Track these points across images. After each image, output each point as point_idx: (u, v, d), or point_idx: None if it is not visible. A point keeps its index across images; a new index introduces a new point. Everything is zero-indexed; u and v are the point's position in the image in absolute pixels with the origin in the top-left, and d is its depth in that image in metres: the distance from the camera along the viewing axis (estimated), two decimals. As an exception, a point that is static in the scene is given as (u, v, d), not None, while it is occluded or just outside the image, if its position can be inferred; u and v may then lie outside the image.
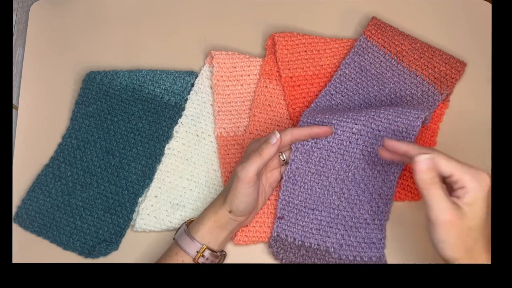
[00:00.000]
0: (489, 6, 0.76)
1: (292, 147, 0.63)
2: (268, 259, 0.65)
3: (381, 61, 0.70)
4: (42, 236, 0.65)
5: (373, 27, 0.72)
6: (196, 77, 0.72)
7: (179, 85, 0.71)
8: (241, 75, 0.71)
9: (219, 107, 0.70)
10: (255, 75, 0.71)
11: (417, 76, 0.69)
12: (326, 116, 0.63)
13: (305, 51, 0.72)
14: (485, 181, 0.50)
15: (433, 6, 0.77)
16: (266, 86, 0.70)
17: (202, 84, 0.71)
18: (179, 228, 0.62)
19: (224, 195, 0.60)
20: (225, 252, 0.62)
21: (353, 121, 0.62)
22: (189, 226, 0.61)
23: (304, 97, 0.70)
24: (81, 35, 0.76)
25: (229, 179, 0.63)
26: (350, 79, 0.70)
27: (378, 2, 0.77)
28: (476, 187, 0.50)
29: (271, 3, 0.77)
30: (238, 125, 0.69)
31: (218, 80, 0.70)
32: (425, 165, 0.50)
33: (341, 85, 0.69)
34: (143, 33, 0.76)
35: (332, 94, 0.69)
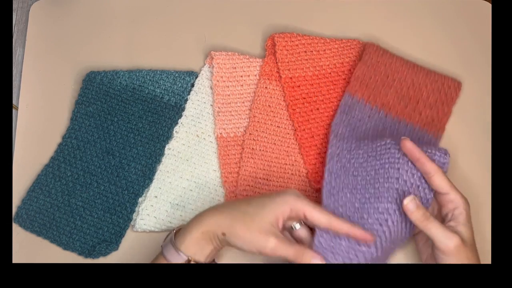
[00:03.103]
0: (489, 6, 0.76)
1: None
2: (267, 260, 0.64)
3: (369, 116, 0.67)
4: (42, 236, 0.65)
5: (356, 82, 0.68)
6: (196, 77, 0.72)
7: (179, 85, 0.71)
8: (241, 76, 0.71)
9: (219, 107, 0.70)
10: (255, 75, 0.71)
11: (407, 125, 0.67)
12: (347, 197, 0.58)
13: (305, 51, 0.72)
14: (468, 202, 0.56)
15: (433, 6, 0.77)
16: (266, 87, 0.70)
17: (202, 85, 0.71)
18: (168, 235, 0.57)
19: (229, 211, 0.55)
20: (215, 260, 0.58)
21: (377, 199, 0.57)
22: (176, 234, 0.56)
23: (304, 98, 0.70)
24: (81, 35, 0.76)
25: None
26: (343, 138, 0.65)
27: (378, 2, 0.77)
28: (467, 208, 0.55)
29: (271, 3, 0.77)
30: (238, 126, 0.69)
31: (218, 81, 0.70)
32: (412, 206, 0.54)
33: (337, 147, 0.64)
34: (143, 33, 0.76)
35: (337, 154, 0.63)
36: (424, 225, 0.54)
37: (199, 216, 0.56)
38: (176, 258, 0.54)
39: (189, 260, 0.54)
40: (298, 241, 0.57)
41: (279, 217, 0.54)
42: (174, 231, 0.57)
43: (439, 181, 0.56)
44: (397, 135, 0.65)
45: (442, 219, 0.57)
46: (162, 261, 0.55)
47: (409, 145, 0.57)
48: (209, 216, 0.55)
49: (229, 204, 0.57)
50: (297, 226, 0.57)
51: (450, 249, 0.53)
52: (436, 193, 0.58)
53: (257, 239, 0.53)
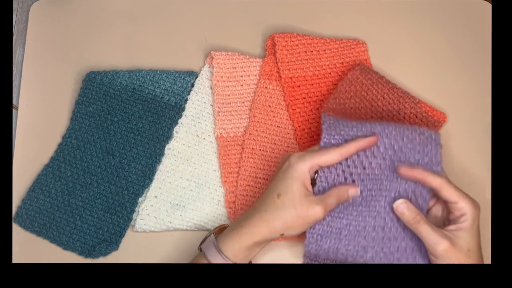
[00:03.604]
0: (489, 6, 0.76)
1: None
2: (269, 259, 0.65)
3: (356, 126, 0.60)
4: (42, 236, 0.65)
5: (329, 111, 0.64)
6: (196, 77, 0.72)
7: (179, 85, 0.71)
8: (241, 76, 0.71)
9: (219, 107, 0.70)
10: (255, 75, 0.71)
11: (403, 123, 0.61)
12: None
13: (305, 51, 0.72)
14: (479, 209, 0.55)
15: (433, 6, 0.77)
16: (266, 87, 0.70)
17: (202, 85, 0.71)
18: (206, 238, 0.58)
19: (272, 215, 0.55)
20: (250, 261, 0.59)
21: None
22: (219, 238, 0.57)
23: (304, 98, 0.70)
24: (81, 35, 0.76)
25: (267, 200, 0.58)
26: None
27: (378, 2, 0.77)
28: (475, 214, 0.55)
29: (271, 3, 0.77)
30: (238, 126, 0.69)
31: (218, 81, 0.70)
32: (402, 209, 0.56)
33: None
34: (143, 33, 0.76)
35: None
36: (415, 227, 0.55)
37: (249, 226, 0.56)
38: (222, 262, 0.55)
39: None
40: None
41: (305, 183, 0.56)
42: (214, 234, 0.58)
43: (447, 193, 0.55)
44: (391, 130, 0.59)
45: (449, 222, 0.57)
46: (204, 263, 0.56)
47: (406, 171, 0.57)
48: (260, 226, 0.56)
49: (266, 208, 0.56)
50: (316, 175, 0.59)
51: (438, 252, 0.53)
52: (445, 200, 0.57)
53: (309, 216, 0.55)
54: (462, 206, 0.55)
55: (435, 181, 0.56)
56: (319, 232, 0.58)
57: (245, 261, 0.56)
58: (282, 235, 0.56)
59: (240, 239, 0.55)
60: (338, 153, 0.57)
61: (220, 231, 0.59)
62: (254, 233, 0.55)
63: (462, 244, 0.54)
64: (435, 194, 0.58)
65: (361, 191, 0.58)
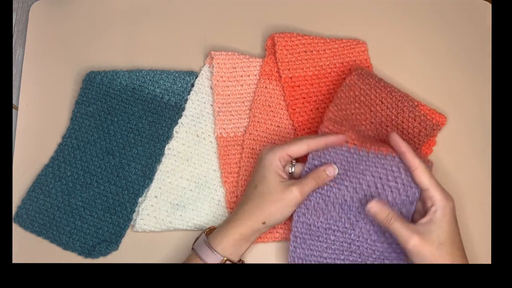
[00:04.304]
0: (489, 6, 0.77)
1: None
2: (266, 259, 0.65)
3: (347, 157, 0.60)
4: (42, 236, 0.65)
5: (329, 123, 0.62)
6: (196, 77, 0.72)
7: (179, 85, 0.71)
8: (241, 76, 0.71)
9: (219, 107, 0.70)
10: (255, 75, 0.71)
11: (394, 158, 0.59)
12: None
13: (305, 51, 0.72)
14: (452, 202, 0.56)
15: (433, 6, 0.77)
16: (266, 87, 0.70)
17: (202, 84, 0.71)
18: (198, 237, 0.60)
19: (254, 207, 0.58)
20: (243, 260, 0.60)
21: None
22: (209, 236, 0.59)
23: (304, 98, 0.70)
24: (81, 35, 0.76)
25: (248, 191, 0.60)
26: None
27: (378, 2, 0.77)
28: (446, 206, 0.55)
29: (271, 3, 0.77)
30: (238, 126, 0.69)
31: (218, 81, 0.70)
32: (375, 209, 0.57)
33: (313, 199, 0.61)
34: (143, 33, 0.76)
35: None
36: (388, 226, 0.56)
37: (234, 220, 0.59)
38: (213, 259, 0.57)
39: (224, 260, 0.57)
40: (300, 177, 0.61)
41: (279, 171, 0.59)
42: (205, 233, 0.60)
43: (419, 176, 0.57)
44: (382, 168, 0.59)
45: (425, 214, 0.58)
46: (197, 261, 0.58)
47: (396, 138, 0.58)
48: (244, 218, 0.58)
49: (247, 201, 0.60)
50: (292, 168, 0.62)
51: (409, 249, 0.54)
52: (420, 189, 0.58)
53: (286, 199, 0.58)
54: (432, 195, 0.56)
55: (414, 161, 0.57)
56: (300, 256, 0.60)
57: (235, 256, 0.58)
58: (264, 223, 0.58)
59: (228, 233, 0.58)
60: (306, 143, 0.59)
61: (210, 232, 0.61)
62: (239, 226, 0.58)
63: (433, 237, 0.54)
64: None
65: (339, 218, 0.60)
